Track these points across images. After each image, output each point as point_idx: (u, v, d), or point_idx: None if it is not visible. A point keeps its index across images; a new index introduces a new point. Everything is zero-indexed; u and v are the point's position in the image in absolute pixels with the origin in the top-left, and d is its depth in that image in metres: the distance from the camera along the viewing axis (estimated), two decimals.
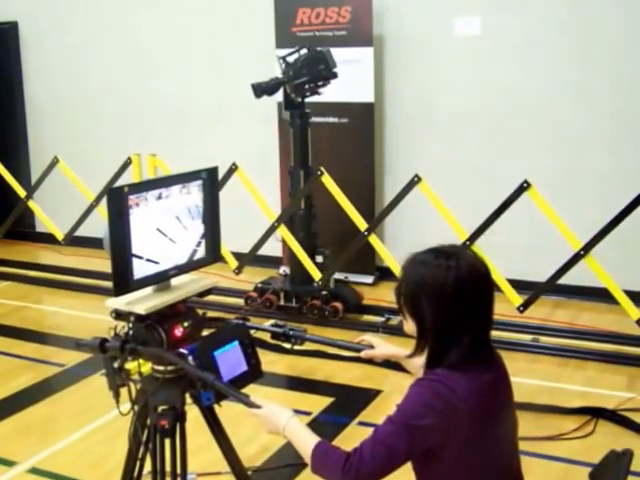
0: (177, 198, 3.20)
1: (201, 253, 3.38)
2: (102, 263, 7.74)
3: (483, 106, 7.80)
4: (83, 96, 9.87)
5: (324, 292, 7.21)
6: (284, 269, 7.72)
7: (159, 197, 3.12)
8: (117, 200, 2.96)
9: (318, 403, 5.65)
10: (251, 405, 2.81)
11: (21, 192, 8.50)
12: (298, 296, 7.35)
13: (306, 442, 2.67)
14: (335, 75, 7.04)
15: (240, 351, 3.10)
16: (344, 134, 8.19)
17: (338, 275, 7.47)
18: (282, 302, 7.40)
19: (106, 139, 9.70)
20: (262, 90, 7.07)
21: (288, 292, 7.40)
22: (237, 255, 7.55)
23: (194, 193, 3.28)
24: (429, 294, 2.57)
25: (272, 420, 2.77)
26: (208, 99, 9.12)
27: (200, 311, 3.35)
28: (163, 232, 3.15)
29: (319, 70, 7.00)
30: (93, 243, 7.88)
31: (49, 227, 8.55)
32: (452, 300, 2.55)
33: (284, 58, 7.11)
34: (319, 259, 7.36)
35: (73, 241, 8.55)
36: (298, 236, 7.32)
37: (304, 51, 7.10)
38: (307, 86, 7.06)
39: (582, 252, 6.25)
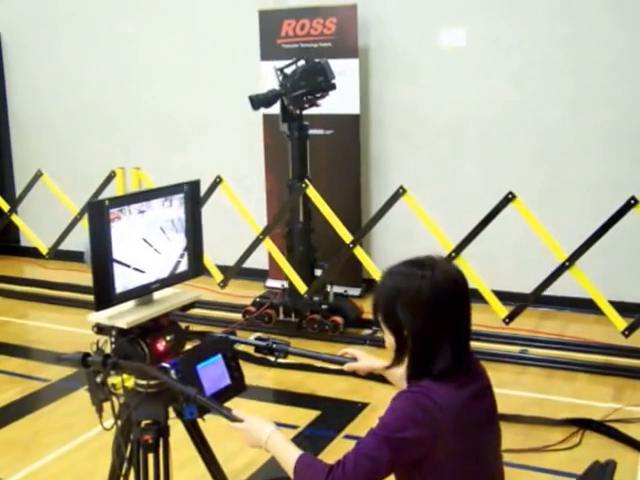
0: (159, 211, 3.18)
1: (183, 267, 3.36)
2: (87, 277, 7.73)
3: (469, 117, 7.80)
4: (67, 109, 9.84)
5: (324, 306, 7.14)
6: (282, 283, 7.58)
7: (141, 210, 3.09)
8: (98, 214, 2.95)
9: (304, 417, 5.62)
10: (233, 419, 2.79)
11: (4, 206, 8.47)
12: (297, 310, 7.26)
13: (288, 455, 2.65)
14: (334, 87, 6.99)
15: (223, 365, 3.08)
16: (330, 146, 8.17)
17: (337, 289, 7.43)
18: (281, 316, 7.30)
19: (90, 152, 9.67)
20: (260, 102, 6.99)
21: (287, 306, 7.31)
22: (222, 268, 7.52)
23: (176, 206, 3.26)
24: (404, 304, 2.55)
25: (254, 434, 2.74)
26: (193, 112, 9.10)
27: (183, 325, 3.32)
28: (148, 242, 3.14)
29: (318, 82, 6.94)
30: (77, 257, 7.82)
31: (33, 241, 8.51)
32: (427, 310, 2.53)
33: (282, 70, 7.02)
34: (318, 272, 7.28)
35: (57, 255, 8.51)
36: (297, 250, 7.27)
37: (302, 62, 7.04)
38: (305, 98, 7.00)
39: (567, 263, 6.24)
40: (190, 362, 2.96)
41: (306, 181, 6.98)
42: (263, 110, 8.04)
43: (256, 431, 2.75)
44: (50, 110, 9.97)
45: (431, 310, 2.53)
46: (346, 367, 3.27)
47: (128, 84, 9.44)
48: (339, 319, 7.07)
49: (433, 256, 2.70)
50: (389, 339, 2.64)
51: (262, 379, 6.09)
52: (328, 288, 7.23)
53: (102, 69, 9.55)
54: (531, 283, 6.54)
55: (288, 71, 7.02)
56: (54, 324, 7.70)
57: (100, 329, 3.10)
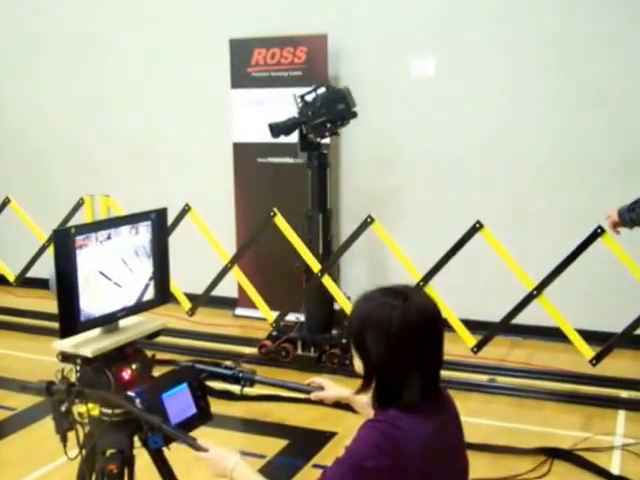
0: (125, 239, 3.17)
1: (150, 294, 3.34)
2: (53, 304, 7.66)
3: (439, 146, 7.84)
4: (37, 135, 9.79)
5: (344, 340, 6.77)
6: (297, 316, 7.32)
7: (108, 238, 3.08)
8: (63, 241, 2.93)
9: (272, 446, 5.58)
10: (197, 448, 2.77)
11: None
12: (316, 344, 7.05)
13: None
14: (355, 115, 6.89)
15: (189, 393, 3.05)
16: (299, 174, 8.15)
17: None
18: (299, 351, 7.09)
19: (59, 180, 9.63)
20: (279, 130, 6.90)
21: (305, 340, 7.11)
22: (191, 296, 7.48)
23: (143, 234, 3.24)
24: (374, 331, 2.54)
25: (219, 463, 2.73)
26: (164, 139, 9.09)
27: (150, 353, 3.30)
28: (107, 276, 3.12)
29: (338, 109, 6.82)
30: (45, 284, 7.78)
31: (0, 269, 8.45)
32: (397, 339, 2.51)
33: (302, 97, 6.91)
34: (337, 306, 7.09)
35: (25, 282, 8.44)
36: (316, 282, 6.99)
37: (322, 90, 6.93)
38: (326, 126, 6.89)
39: (535, 292, 6.26)
40: (155, 391, 2.94)
41: (274, 209, 6.95)
42: (233, 139, 8.08)
43: (221, 460, 2.73)
44: (19, 136, 9.92)
45: (400, 340, 2.51)
46: (312, 396, 3.25)
47: (99, 111, 9.41)
48: None
49: (409, 286, 2.70)
50: (358, 363, 2.63)
51: (230, 408, 6.02)
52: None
53: (73, 95, 9.52)
54: (501, 312, 6.55)
55: (309, 98, 6.91)
56: (21, 352, 7.63)
57: (65, 357, 3.08)
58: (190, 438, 2.81)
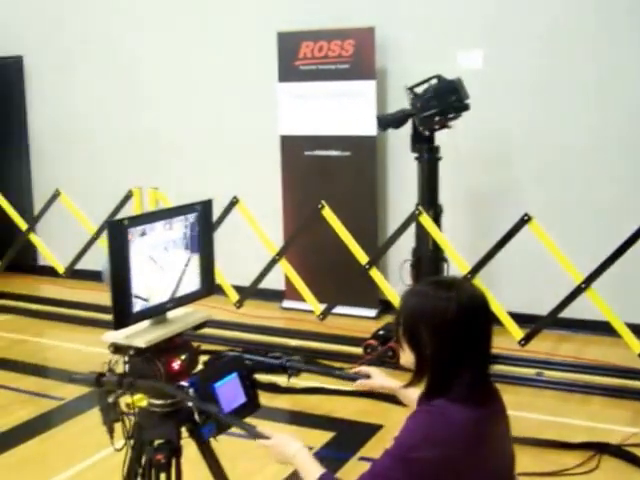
0: (175, 230, 3.18)
1: (196, 286, 3.35)
2: (102, 296, 7.74)
3: (485, 137, 7.78)
4: (85, 129, 9.89)
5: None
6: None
7: (157, 230, 3.09)
8: (117, 233, 2.94)
9: (319, 438, 5.58)
10: (259, 436, 2.79)
11: (22, 225, 8.50)
12: None
13: (311, 473, 2.67)
14: (467, 107, 6.64)
15: (239, 383, 3.07)
16: (346, 167, 8.18)
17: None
18: None
19: (108, 172, 9.71)
20: (387, 122, 6.79)
21: None
22: (238, 289, 7.51)
23: (189, 225, 3.26)
24: (429, 325, 2.54)
25: (282, 450, 2.75)
26: (210, 132, 9.13)
27: (194, 344, 3.31)
28: (160, 265, 3.13)
29: (450, 101, 6.60)
30: (94, 276, 7.85)
31: (50, 260, 8.54)
32: (452, 331, 2.52)
33: (412, 89, 6.73)
34: None
35: (74, 274, 8.53)
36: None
37: (434, 81, 6.73)
38: (436, 119, 6.68)
39: (583, 285, 6.23)
40: (208, 380, 2.95)
41: (322, 202, 6.95)
42: (281, 132, 8.07)
43: (283, 447, 2.75)
44: (68, 130, 10.02)
45: (455, 332, 2.53)
46: (357, 383, 3.24)
47: (146, 105, 9.48)
48: None
49: (457, 278, 2.71)
50: (409, 358, 2.63)
51: (276, 400, 6.05)
52: None
53: (121, 90, 9.60)
54: (549, 305, 6.52)
55: (419, 90, 6.73)
56: (69, 343, 7.71)
57: (117, 348, 3.08)
58: (250, 426, 2.82)
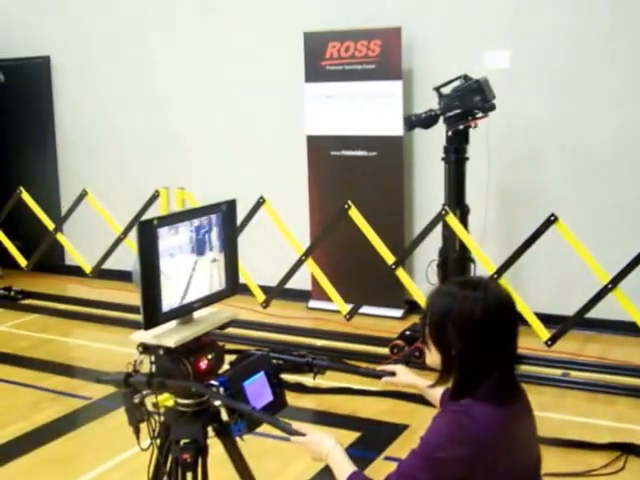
0: (199, 230, 3.19)
1: (221, 285, 3.36)
2: (128, 296, 7.76)
3: (510, 137, 7.76)
4: (112, 129, 9.93)
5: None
6: None
7: (184, 229, 3.11)
8: (147, 233, 2.94)
9: (344, 438, 5.53)
10: (294, 433, 2.81)
11: (50, 225, 8.55)
12: None
13: (343, 471, 2.69)
14: (493, 107, 6.61)
15: (266, 381, 3.08)
16: (373, 167, 8.18)
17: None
18: None
19: (133, 172, 9.75)
20: (412, 123, 6.80)
21: None
22: (265, 289, 7.54)
23: (214, 225, 3.27)
24: (456, 324, 2.55)
25: (317, 448, 2.77)
26: (238, 133, 9.14)
27: (220, 344, 3.32)
28: (189, 261, 3.15)
29: (474, 102, 6.59)
30: (121, 276, 7.90)
31: (77, 260, 8.59)
32: (479, 331, 2.53)
33: (438, 89, 6.73)
34: None
35: (101, 274, 8.58)
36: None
37: (460, 81, 6.73)
38: (459, 119, 6.66)
39: (610, 285, 6.21)
40: (237, 379, 2.97)
41: (349, 202, 6.96)
42: (307, 132, 8.08)
43: (317, 445, 2.77)
44: (95, 130, 10.06)
45: (483, 332, 2.54)
46: (383, 380, 3.25)
47: (173, 105, 9.51)
48: None
49: (483, 278, 2.72)
50: (435, 358, 2.64)
51: (301, 400, 6.05)
52: None
53: (147, 90, 9.64)
54: (575, 306, 6.50)
55: (446, 90, 6.73)
56: (96, 342, 7.75)
57: (145, 348, 3.09)
58: (285, 423, 2.84)
